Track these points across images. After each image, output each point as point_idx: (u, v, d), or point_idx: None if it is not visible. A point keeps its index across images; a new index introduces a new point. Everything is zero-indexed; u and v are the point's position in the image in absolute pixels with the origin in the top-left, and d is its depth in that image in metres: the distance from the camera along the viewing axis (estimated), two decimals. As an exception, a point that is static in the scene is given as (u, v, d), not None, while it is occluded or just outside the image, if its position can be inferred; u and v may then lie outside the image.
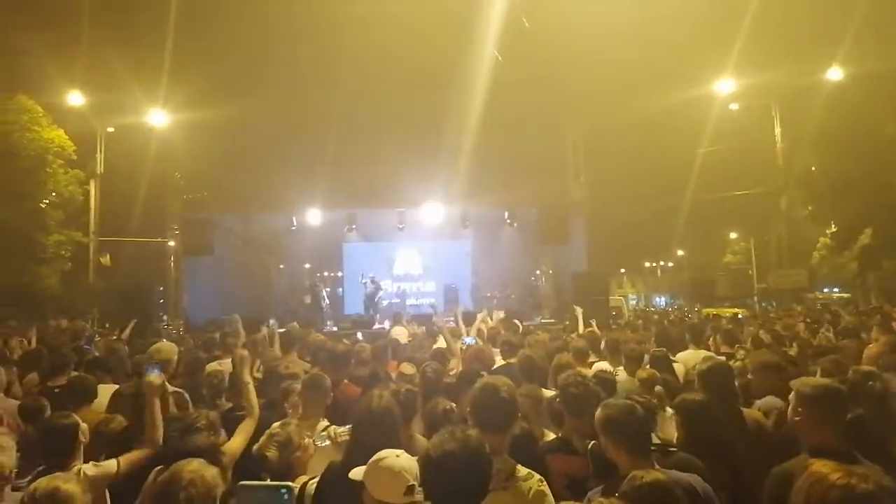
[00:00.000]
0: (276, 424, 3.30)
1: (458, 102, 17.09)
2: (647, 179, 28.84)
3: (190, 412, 3.59)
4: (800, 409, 2.96)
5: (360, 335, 9.12)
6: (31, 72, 17.87)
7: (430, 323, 10.02)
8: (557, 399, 3.61)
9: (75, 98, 18.60)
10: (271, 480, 2.83)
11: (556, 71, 18.12)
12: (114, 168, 19.79)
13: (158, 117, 19.12)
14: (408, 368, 5.13)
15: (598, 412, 2.93)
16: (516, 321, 9.27)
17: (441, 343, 7.31)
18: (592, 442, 3.12)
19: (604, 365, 5.85)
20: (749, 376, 4.49)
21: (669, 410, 3.87)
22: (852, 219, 21.29)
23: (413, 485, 2.34)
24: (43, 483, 2.41)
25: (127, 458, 3.40)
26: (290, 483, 2.55)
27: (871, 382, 4.04)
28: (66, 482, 2.43)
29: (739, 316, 16.27)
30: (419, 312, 16.49)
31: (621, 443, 2.80)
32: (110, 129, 20.29)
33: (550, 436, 3.64)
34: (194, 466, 2.55)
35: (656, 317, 17.35)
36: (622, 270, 59.30)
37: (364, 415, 3.09)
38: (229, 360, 6.25)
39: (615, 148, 23.19)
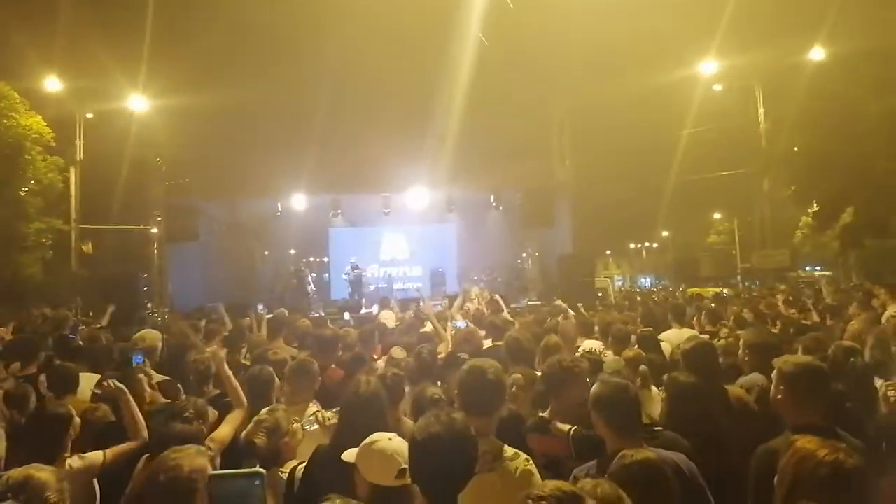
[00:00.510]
0: (264, 410, 3.29)
1: (442, 85, 17.00)
2: (632, 161, 28.88)
3: (178, 401, 3.58)
4: (782, 388, 2.99)
5: (347, 315, 9.12)
6: (6, 57, 17.48)
7: (416, 307, 10.04)
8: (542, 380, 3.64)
9: (53, 83, 18.24)
10: (260, 467, 2.83)
11: (541, 52, 18.03)
12: (94, 154, 19.48)
13: (139, 102, 18.81)
14: (398, 353, 5.14)
15: (593, 388, 2.96)
16: (497, 297, 9.26)
17: (429, 327, 7.33)
18: (573, 428, 3.15)
19: (593, 344, 5.91)
20: (743, 356, 4.52)
21: (655, 389, 3.92)
22: (834, 198, 21.50)
23: (405, 468, 2.36)
24: (16, 472, 2.38)
25: (114, 451, 3.39)
26: (261, 470, 2.56)
27: (852, 359, 4.11)
28: (39, 470, 2.38)
29: (725, 294, 16.44)
30: (406, 297, 16.53)
31: (612, 420, 2.82)
32: (90, 115, 19.94)
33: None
34: (185, 454, 2.55)
35: (640, 298, 17.48)
36: (608, 252, 59.58)
37: (352, 399, 3.10)
38: (215, 347, 6.24)
39: (600, 129, 23.19)
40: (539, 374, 3.98)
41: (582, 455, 2.98)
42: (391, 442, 2.45)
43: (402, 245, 23.03)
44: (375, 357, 5.63)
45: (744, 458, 2.88)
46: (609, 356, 5.37)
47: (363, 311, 16.04)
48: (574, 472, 2.72)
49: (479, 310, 9.02)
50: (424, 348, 4.78)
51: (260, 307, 9.90)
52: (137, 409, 3.63)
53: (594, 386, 2.98)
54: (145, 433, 3.54)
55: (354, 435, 2.61)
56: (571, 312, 8.26)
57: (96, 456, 3.32)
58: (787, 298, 10.55)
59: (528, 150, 18.35)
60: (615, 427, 2.81)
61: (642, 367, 3.87)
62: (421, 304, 10.47)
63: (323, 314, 15.12)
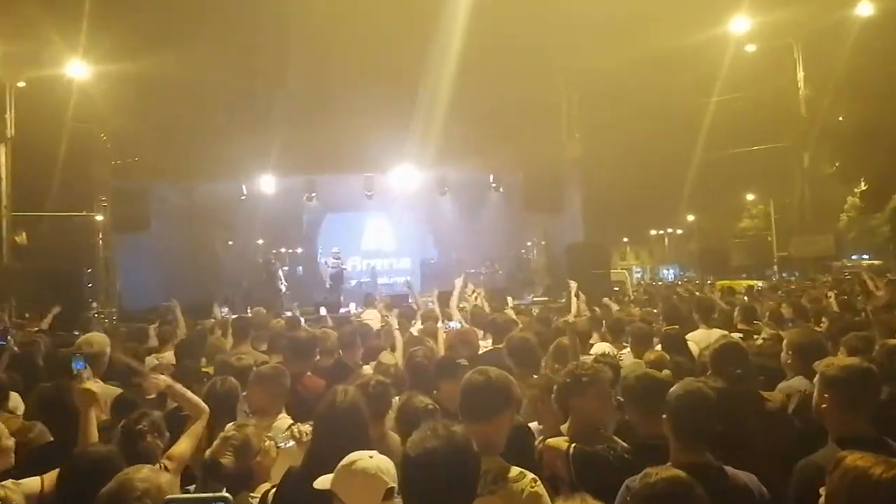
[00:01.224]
0: (230, 426, 3.29)
1: (433, 49, 16.91)
2: (652, 134, 28.88)
3: (129, 417, 3.57)
4: (825, 395, 3.01)
5: (323, 310, 9.14)
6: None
7: (405, 305, 10.04)
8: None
9: (-23, 48, 18.06)
10: (227, 491, 2.83)
11: (545, 9, 17.94)
12: (27, 130, 19.28)
13: (79, 68, 18.64)
14: (388, 357, 5.16)
15: (671, 391, 2.98)
16: (509, 298, 9.31)
17: (417, 328, 7.33)
18: (574, 445, 3.16)
19: (604, 347, 5.93)
20: (786, 358, 4.53)
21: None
22: (885, 175, 21.60)
23: (392, 487, 2.36)
24: None
25: (52, 478, 3.23)
26: (227, 495, 2.56)
27: (900, 358, 4.14)
28: None
29: (759, 287, 16.51)
30: (393, 292, 16.53)
31: (681, 430, 2.86)
32: (21, 84, 19.74)
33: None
34: (144, 474, 2.54)
35: (662, 292, 17.54)
36: (624, 240, 59.81)
37: (326, 412, 3.10)
38: (170, 353, 6.25)
39: (614, 98, 23.12)
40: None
41: (584, 479, 2.98)
42: (373, 459, 2.45)
43: (388, 233, 23.06)
44: (360, 363, 5.64)
45: (783, 474, 2.90)
46: (624, 358, 5.42)
47: (342, 309, 16.06)
48: (626, 482, 2.73)
49: (478, 307, 9.05)
50: (418, 351, 4.79)
51: (224, 309, 9.87)
52: (94, 420, 3.64)
53: (673, 388, 3.00)
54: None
55: (330, 454, 2.62)
56: (583, 304, 8.28)
57: (33, 484, 3.22)
58: (833, 291, 10.59)
59: (531, 122, 18.33)
60: (683, 437, 2.85)
61: (665, 372, 3.88)
62: (410, 299, 10.49)
63: (297, 314, 15.15)
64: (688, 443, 2.84)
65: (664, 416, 2.92)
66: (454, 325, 6.73)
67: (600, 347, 5.94)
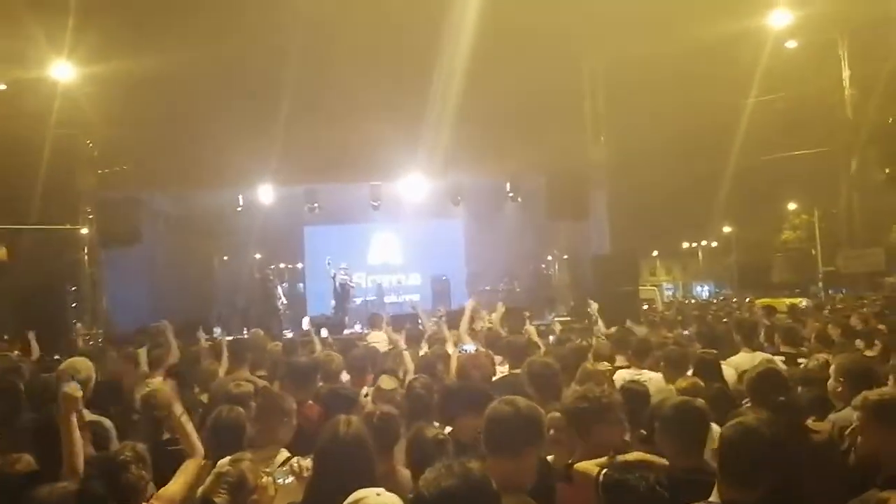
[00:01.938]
0: (225, 461, 3.29)
1: (444, 45, 16.93)
2: (685, 137, 28.79)
3: (110, 451, 3.59)
4: (870, 428, 2.98)
5: (325, 332, 9.19)
6: None
7: (412, 326, 10.07)
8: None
9: (-46, 48, 18.29)
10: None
11: (568, -1, 17.95)
12: (7, 136, 19.49)
13: (64, 71, 18.83)
14: (388, 382, 5.16)
15: (725, 427, 2.97)
16: (526, 314, 9.30)
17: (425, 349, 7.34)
18: (604, 471, 3.16)
19: (630, 373, 5.92)
20: (835, 385, 4.48)
21: (716, 428, 3.91)
22: (940, 182, 21.44)
23: (402, 528, 2.36)
24: None
25: None
26: None
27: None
28: None
29: (803, 305, 16.41)
30: (401, 312, 16.52)
31: (730, 471, 2.88)
32: (2, 87, 19.99)
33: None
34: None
35: (696, 312, 17.45)
36: (654, 253, 59.61)
37: (328, 445, 3.10)
38: (160, 379, 6.28)
39: (644, 96, 23.07)
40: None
41: None
42: (380, 498, 2.45)
43: (396, 247, 23.11)
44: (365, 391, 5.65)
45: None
46: (652, 382, 5.41)
47: (346, 330, 16.10)
48: None
49: (493, 329, 9.04)
50: (418, 380, 4.78)
51: (216, 330, 9.92)
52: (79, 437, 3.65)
53: (724, 427, 2.99)
54: (81, 468, 3.57)
55: (332, 490, 2.63)
56: (601, 327, 8.27)
57: None
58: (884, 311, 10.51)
59: (552, 124, 18.26)
60: (734, 477, 2.87)
61: (699, 402, 3.86)
62: (419, 320, 10.49)
63: (295, 335, 15.21)
64: (739, 484, 2.83)
65: (714, 449, 2.92)
66: (469, 348, 6.71)
67: (624, 375, 5.92)
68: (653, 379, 5.65)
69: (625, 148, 21.98)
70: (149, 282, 19.19)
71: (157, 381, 6.26)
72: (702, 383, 4.60)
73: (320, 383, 5.52)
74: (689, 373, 5.35)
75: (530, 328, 8.40)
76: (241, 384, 5.01)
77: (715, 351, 6.02)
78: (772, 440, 2.92)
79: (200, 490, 3.20)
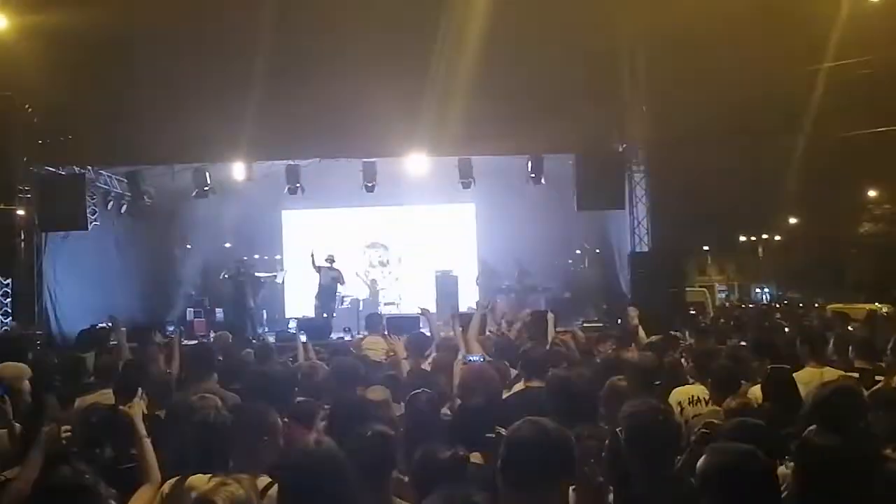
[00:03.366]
0: (207, 485, 3.28)
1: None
2: (743, 110, 28.63)
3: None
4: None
5: (303, 338, 9.21)
6: None
7: (415, 331, 10.07)
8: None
9: None
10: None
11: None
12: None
13: (-3, 21, 18.84)
14: (377, 393, 5.17)
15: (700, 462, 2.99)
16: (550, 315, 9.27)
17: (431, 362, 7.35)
18: None
19: (692, 391, 5.95)
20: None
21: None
22: None
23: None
24: None
25: None
26: None
27: None
28: None
29: (883, 312, 16.38)
30: (399, 314, 16.57)
31: None
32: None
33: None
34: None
35: (755, 317, 17.42)
36: (705, 248, 59.43)
37: (289, 473, 3.10)
38: (110, 391, 6.31)
39: (693, 61, 22.97)
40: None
41: None
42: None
43: (394, 237, 23.11)
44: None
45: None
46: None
47: (334, 334, 16.14)
48: None
49: (505, 335, 9.06)
50: (422, 395, 4.79)
51: (170, 330, 9.99)
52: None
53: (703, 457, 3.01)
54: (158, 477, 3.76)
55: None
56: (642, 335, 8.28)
57: None
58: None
59: (582, 93, 18.22)
60: None
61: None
62: (423, 325, 10.51)
63: (273, 339, 15.24)
64: None
65: None
66: (476, 358, 6.69)
67: (683, 393, 5.93)
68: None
69: (670, 122, 21.86)
70: (97, 274, 19.23)
71: (109, 393, 6.29)
72: (755, 402, 4.60)
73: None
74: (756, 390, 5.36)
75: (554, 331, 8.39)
76: (206, 397, 5.02)
77: (786, 365, 6.00)
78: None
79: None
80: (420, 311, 11.44)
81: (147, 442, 4.06)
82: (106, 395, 6.20)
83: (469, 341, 7.60)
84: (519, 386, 6.16)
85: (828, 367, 6.48)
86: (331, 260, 19.34)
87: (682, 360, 7.34)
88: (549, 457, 2.90)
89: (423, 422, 4.57)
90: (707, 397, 5.80)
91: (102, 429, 4.62)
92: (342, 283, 19.69)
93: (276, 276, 21.16)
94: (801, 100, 25.09)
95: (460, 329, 7.81)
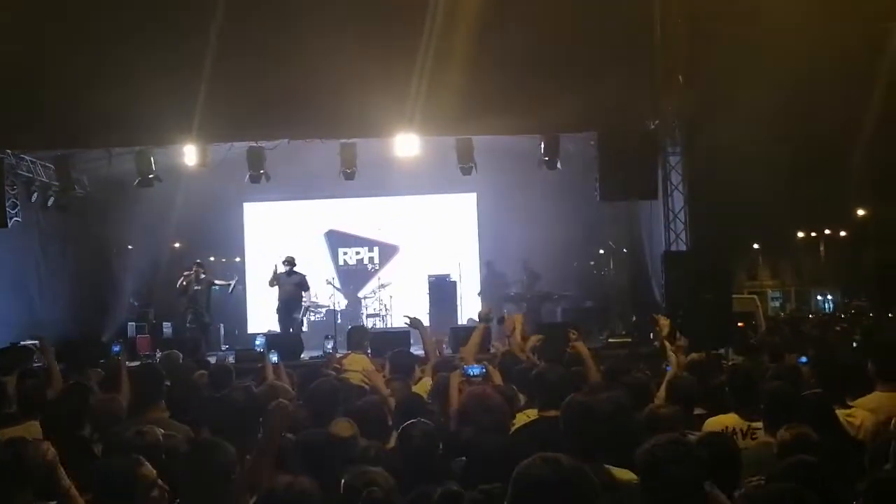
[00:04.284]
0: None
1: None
2: (799, 79, 28.70)
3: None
4: None
5: (274, 357, 9.23)
6: None
7: (399, 349, 10.06)
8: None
9: None
10: None
11: None
12: None
13: None
14: (343, 428, 5.18)
15: None
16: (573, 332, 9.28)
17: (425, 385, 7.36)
18: None
19: (727, 421, 5.98)
20: None
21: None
22: None
23: None
24: None
25: None
26: None
27: None
28: None
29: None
30: (385, 329, 16.56)
31: None
32: None
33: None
34: None
35: (815, 331, 17.45)
36: (756, 247, 59.49)
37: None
38: (37, 423, 6.32)
39: (739, 21, 23.04)
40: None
41: None
42: None
43: (377, 233, 23.11)
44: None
45: None
46: (759, 435, 5.44)
47: (305, 354, 16.11)
48: None
49: (509, 351, 9.07)
50: (416, 427, 4.80)
51: (115, 349, 9.96)
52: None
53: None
54: None
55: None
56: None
57: None
58: None
59: (606, 59, 18.23)
60: None
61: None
62: (413, 342, 10.48)
63: (232, 358, 15.23)
64: None
65: None
66: (475, 370, 6.67)
67: (716, 423, 5.96)
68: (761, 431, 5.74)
69: (712, 94, 21.90)
70: (18, 280, 19.20)
71: (36, 425, 6.29)
72: (814, 435, 4.61)
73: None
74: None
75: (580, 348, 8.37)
76: (144, 430, 5.02)
77: (822, 391, 6.04)
78: None
79: None
80: (408, 322, 10.90)
81: (72, 491, 4.03)
82: (32, 428, 6.20)
83: (467, 355, 7.62)
84: (527, 416, 6.17)
85: (898, 391, 6.49)
86: (290, 263, 19.20)
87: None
88: (565, 500, 2.91)
89: (419, 458, 4.57)
90: (744, 428, 5.88)
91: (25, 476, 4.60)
92: (306, 289, 19.57)
93: (229, 284, 21.01)
94: (872, 69, 25.10)
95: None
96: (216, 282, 20.30)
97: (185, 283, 19.53)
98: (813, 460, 3.86)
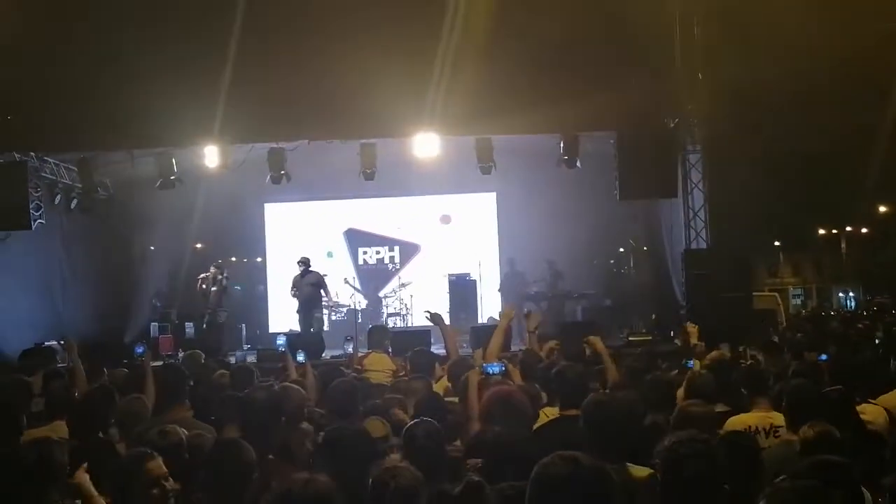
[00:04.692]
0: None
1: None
2: (823, 77, 28.54)
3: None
4: None
5: (301, 357, 9.21)
6: None
7: (420, 348, 10.03)
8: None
9: None
10: None
11: None
12: None
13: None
14: (378, 428, 5.18)
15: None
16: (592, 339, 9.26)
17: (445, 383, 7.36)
18: None
19: (750, 419, 5.97)
20: None
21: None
22: None
23: None
24: None
25: None
26: None
27: None
28: None
29: None
30: (406, 328, 16.53)
31: None
32: None
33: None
34: None
35: (837, 328, 17.36)
36: (777, 244, 59.19)
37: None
38: (63, 423, 6.34)
39: (758, 19, 22.93)
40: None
41: None
42: None
43: (397, 234, 23.11)
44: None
45: None
46: (782, 433, 5.44)
47: (326, 353, 16.15)
48: None
49: (532, 350, 9.05)
50: (420, 427, 4.79)
51: (139, 349, 9.98)
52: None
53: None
54: None
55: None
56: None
57: None
58: None
59: (625, 58, 18.17)
60: None
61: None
62: (433, 340, 10.45)
63: (254, 358, 15.26)
64: None
65: None
66: (494, 368, 6.64)
67: (739, 421, 5.95)
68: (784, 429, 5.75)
69: (733, 92, 21.81)
70: (42, 282, 19.28)
71: (62, 425, 6.31)
72: (836, 432, 4.60)
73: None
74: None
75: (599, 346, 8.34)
76: (167, 429, 5.05)
77: (843, 388, 6.01)
78: None
79: None
80: (429, 317, 10.42)
81: (96, 500, 4.05)
82: (59, 428, 6.22)
83: (491, 353, 7.58)
84: (550, 414, 6.16)
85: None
86: (304, 263, 19.27)
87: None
88: (584, 499, 2.89)
89: (427, 458, 4.55)
90: (766, 427, 5.90)
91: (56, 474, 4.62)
92: (324, 287, 19.62)
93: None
94: (892, 61, 24.93)
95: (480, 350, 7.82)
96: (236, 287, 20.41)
97: (203, 284, 19.62)
98: (837, 459, 3.84)
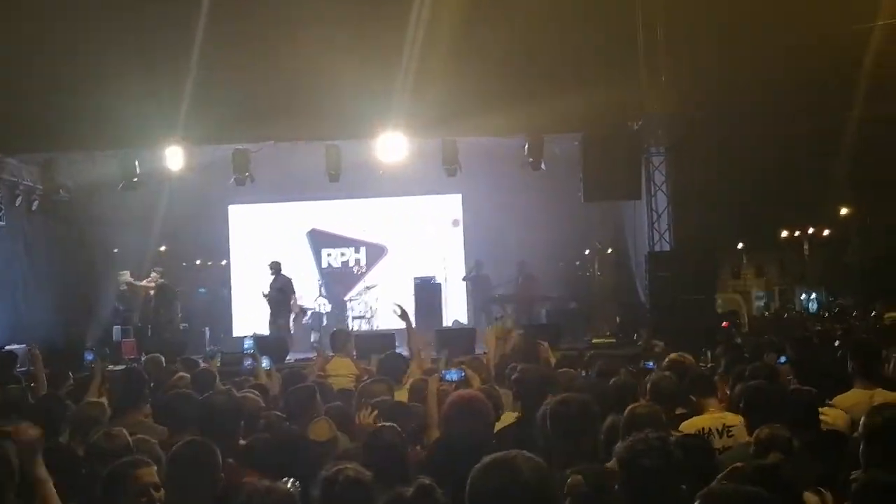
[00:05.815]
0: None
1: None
2: (785, 80, 28.73)
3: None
4: None
5: (266, 362, 9.17)
6: None
7: (390, 352, 10.05)
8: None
9: None
10: None
11: None
12: None
13: None
14: (324, 430, 5.17)
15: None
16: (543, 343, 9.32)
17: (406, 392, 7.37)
18: None
19: (702, 422, 6.01)
20: None
21: (811, 498, 4.00)
22: None
23: None
24: None
25: None
26: None
27: None
28: None
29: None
30: (371, 331, 16.49)
31: None
32: None
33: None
34: None
35: (798, 330, 17.51)
36: (739, 246, 59.47)
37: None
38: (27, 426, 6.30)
39: (722, 22, 23.09)
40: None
41: None
42: None
43: (362, 235, 23.07)
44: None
45: None
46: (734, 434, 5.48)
47: (290, 357, 16.12)
48: None
49: (504, 355, 9.09)
50: (384, 431, 4.79)
51: (89, 357, 9.93)
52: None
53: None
54: None
55: None
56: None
57: None
58: None
59: (590, 61, 18.24)
60: None
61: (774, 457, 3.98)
62: (398, 344, 10.45)
63: (217, 359, 15.20)
64: None
65: None
66: (454, 375, 6.67)
67: (696, 423, 5.99)
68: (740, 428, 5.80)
69: (695, 94, 21.90)
70: (3, 285, 19.12)
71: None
72: (786, 432, 4.63)
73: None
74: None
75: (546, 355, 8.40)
76: (113, 433, 5.05)
77: (811, 388, 6.06)
78: None
79: None
80: (397, 313, 10.62)
81: (49, 486, 4.00)
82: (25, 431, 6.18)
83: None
84: (510, 417, 6.18)
85: (879, 389, 6.50)
86: (275, 268, 19.29)
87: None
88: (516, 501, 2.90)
89: (388, 459, 4.56)
90: (719, 428, 5.97)
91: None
92: (291, 291, 19.65)
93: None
94: (849, 66, 25.16)
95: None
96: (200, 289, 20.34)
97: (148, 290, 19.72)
98: (771, 462, 3.89)
